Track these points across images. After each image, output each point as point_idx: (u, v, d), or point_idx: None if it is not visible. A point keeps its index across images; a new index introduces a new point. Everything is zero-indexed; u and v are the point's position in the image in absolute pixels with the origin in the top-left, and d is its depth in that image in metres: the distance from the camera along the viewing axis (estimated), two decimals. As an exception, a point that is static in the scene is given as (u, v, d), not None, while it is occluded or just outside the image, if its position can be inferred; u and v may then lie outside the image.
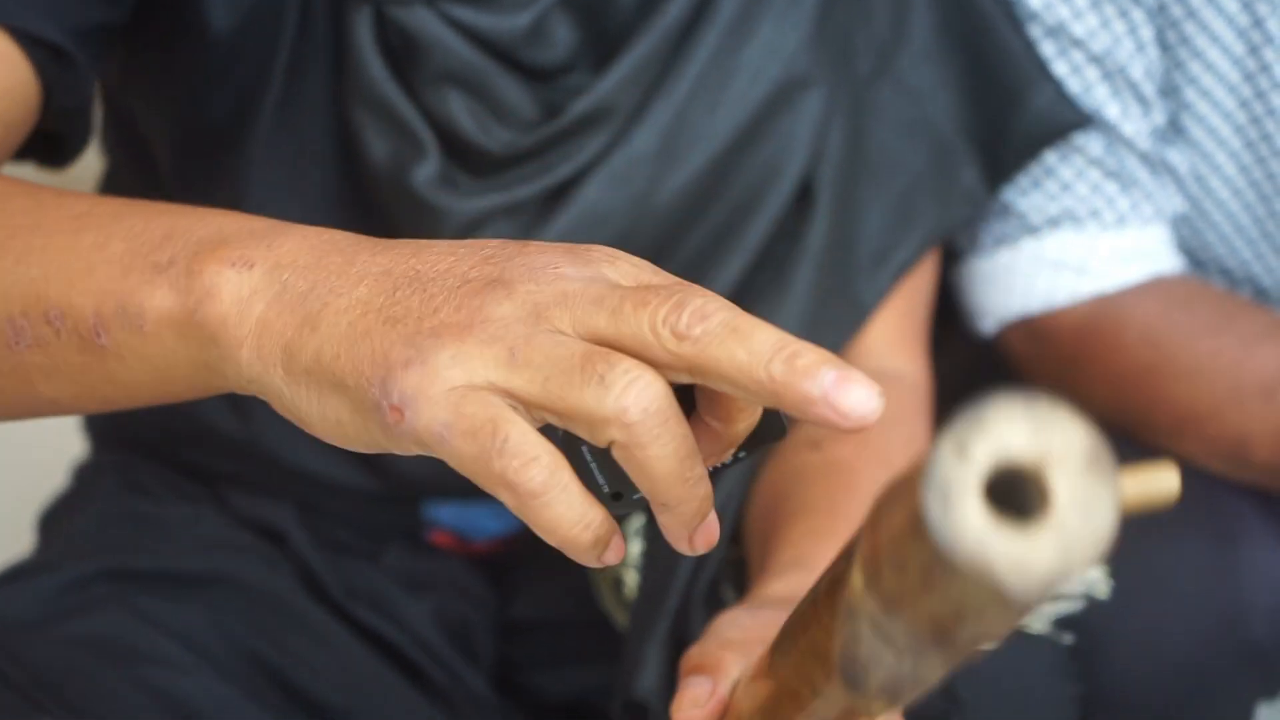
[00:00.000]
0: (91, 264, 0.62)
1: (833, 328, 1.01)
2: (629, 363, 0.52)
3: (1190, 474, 1.03)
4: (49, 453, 0.79)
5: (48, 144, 0.84)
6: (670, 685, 0.81)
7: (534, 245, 0.56)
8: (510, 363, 0.53)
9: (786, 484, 0.93)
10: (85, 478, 1.10)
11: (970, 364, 1.24)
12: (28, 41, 0.78)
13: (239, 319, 0.58)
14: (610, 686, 1.00)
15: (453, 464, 0.53)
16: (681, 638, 0.89)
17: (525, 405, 0.53)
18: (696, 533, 0.55)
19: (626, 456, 0.52)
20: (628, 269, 0.56)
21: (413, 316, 0.55)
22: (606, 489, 0.56)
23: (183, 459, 1.06)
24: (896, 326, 1.05)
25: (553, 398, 0.52)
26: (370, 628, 1.01)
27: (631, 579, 0.95)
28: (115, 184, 1.07)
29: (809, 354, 0.50)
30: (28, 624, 0.93)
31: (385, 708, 0.99)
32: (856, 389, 0.49)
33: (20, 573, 0.99)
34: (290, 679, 0.98)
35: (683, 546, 0.55)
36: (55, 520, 1.09)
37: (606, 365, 0.52)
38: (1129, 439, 1.11)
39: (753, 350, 0.51)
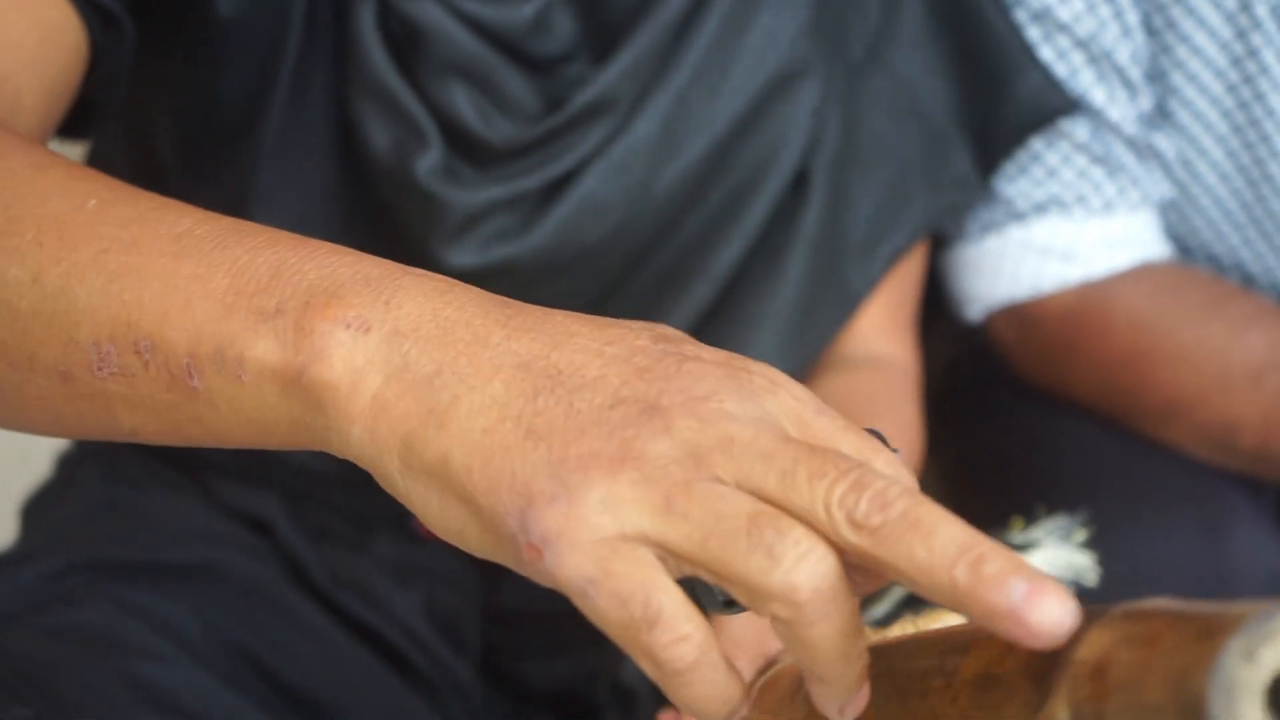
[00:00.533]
0: (190, 297, 0.57)
1: (824, 314, 1.01)
2: (800, 532, 0.48)
3: (1179, 461, 1.09)
4: (31, 441, 0.77)
5: (74, 111, 0.82)
6: None
7: (691, 361, 0.52)
8: (667, 512, 0.48)
9: None
10: (68, 467, 1.09)
11: (957, 351, 1.24)
12: (83, 3, 0.77)
13: (351, 390, 0.53)
14: (597, 674, 1.00)
15: (591, 619, 0.50)
16: None
17: (676, 558, 0.49)
18: (849, 703, 0.52)
19: (789, 634, 0.48)
20: (790, 404, 0.51)
21: (557, 435, 0.50)
22: (721, 597, 0.51)
23: (167, 448, 1.05)
24: (886, 312, 1.04)
25: (712, 559, 0.48)
26: (357, 618, 1.01)
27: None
28: (101, 164, 1.06)
29: (996, 560, 0.46)
30: (8, 615, 0.92)
31: (371, 698, 0.99)
32: (1049, 603, 0.45)
33: (1, 563, 0.99)
34: (275, 670, 0.97)
35: (832, 714, 0.52)
36: (37, 510, 1.08)
37: (776, 533, 0.47)
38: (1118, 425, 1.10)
39: (935, 551, 0.46)
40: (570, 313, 0.55)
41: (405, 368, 0.53)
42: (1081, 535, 0.99)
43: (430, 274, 0.56)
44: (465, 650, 1.05)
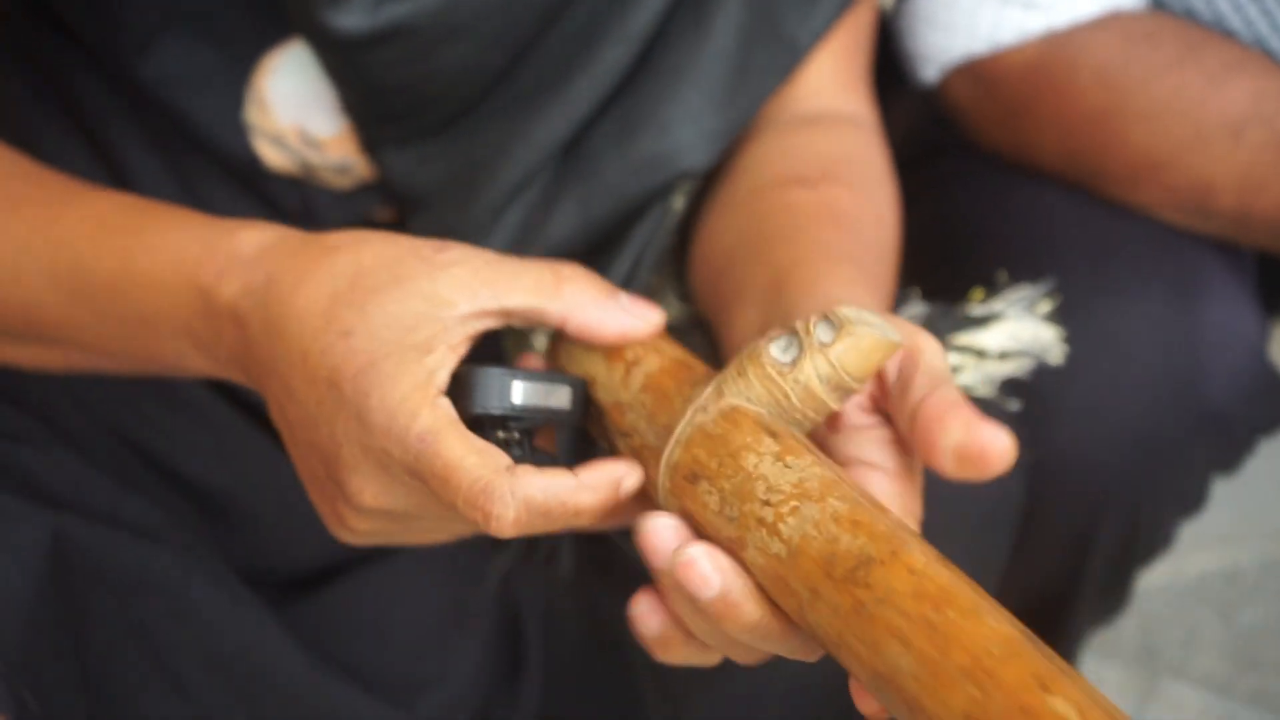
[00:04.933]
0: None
1: (760, 69, 0.92)
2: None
3: (1149, 227, 1.01)
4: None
5: None
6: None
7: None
8: None
9: (778, 219, 0.85)
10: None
11: (912, 120, 1.17)
12: None
13: None
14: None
15: None
16: None
17: None
18: None
19: None
20: None
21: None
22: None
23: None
24: (840, 65, 0.96)
25: None
26: (255, 402, 0.94)
27: (541, 343, 0.87)
28: None
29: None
30: None
31: (269, 486, 0.93)
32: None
33: None
34: (164, 459, 0.92)
35: None
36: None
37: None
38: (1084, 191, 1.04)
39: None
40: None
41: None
42: (1046, 306, 0.94)
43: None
44: None
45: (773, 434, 0.63)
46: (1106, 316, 0.96)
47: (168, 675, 0.88)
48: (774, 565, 0.60)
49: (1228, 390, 0.98)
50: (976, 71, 1.04)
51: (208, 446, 0.92)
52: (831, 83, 0.96)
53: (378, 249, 0.69)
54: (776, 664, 0.94)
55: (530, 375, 0.70)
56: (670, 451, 0.66)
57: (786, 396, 0.64)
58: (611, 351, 0.73)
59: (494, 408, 0.69)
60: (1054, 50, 1.01)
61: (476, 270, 0.69)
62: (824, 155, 0.91)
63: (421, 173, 0.87)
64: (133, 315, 0.75)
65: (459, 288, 0.68)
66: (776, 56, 0.93)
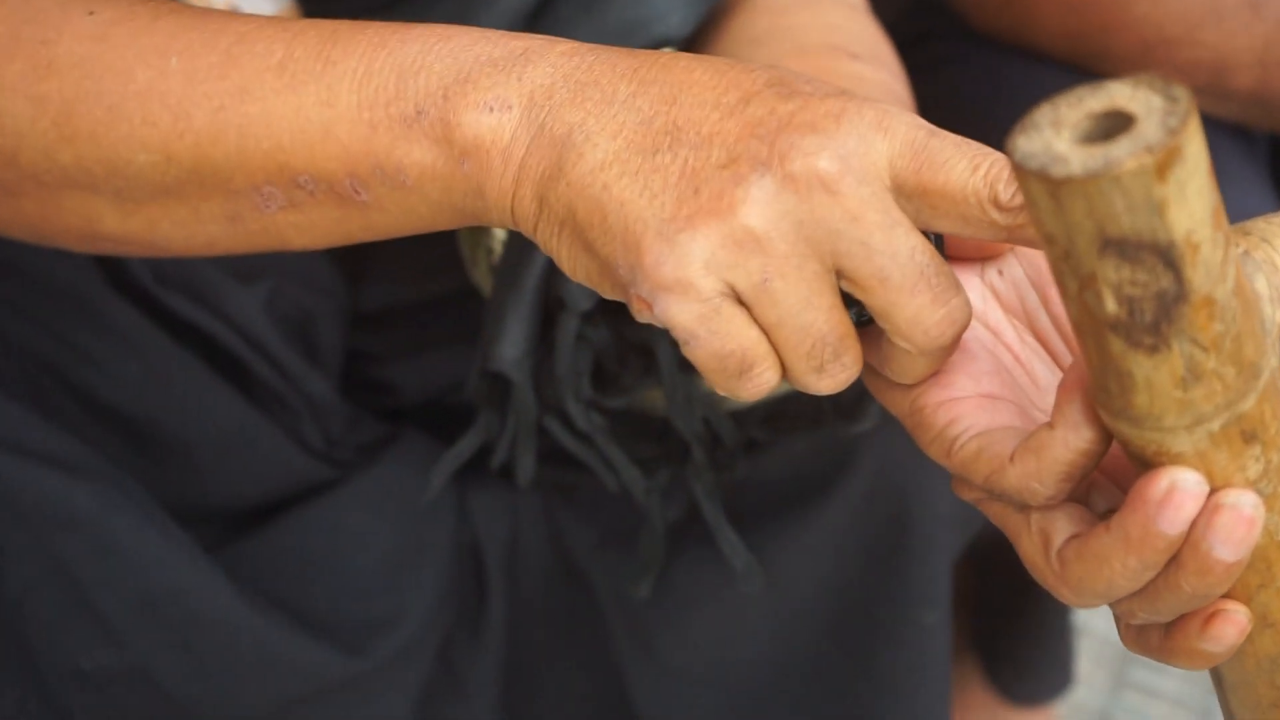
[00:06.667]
0: (327, 125, 0.62)
1: None
2: (850, 357, 0.58)
3: None
4: None
5: None
6: (531, 352, 0.81)
7: (803, 110, 0.57)
8: (760, 291, 0.56)
9: (847, 84, 0.81)
10: None
11: (904, 3, 1.13)
12: None
13: (503, 169, 0.60)
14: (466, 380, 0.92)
15: (690, 360, 0.59)
16: (548, 306, 0.81)
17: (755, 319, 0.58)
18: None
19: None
20: (897, 144, 0.57)
21: (671, 192, 0.56)
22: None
23: None
24: None
25: (778, 341, 0.57)
26: (186, 321, 0.88)
27: (501, 246, 0.81)
28: None
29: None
30: None
31: (203, 416, 0.88)
32: None
33: None
34: (86, 386, 0.86)
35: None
36: None
37: (834, 355, 0.58)
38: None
39: None
40: (692, 57, 0.60)
41: (541, 131, 0.59)
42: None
43: (550, 39, 0.61)
44: (320, 359, 0.94)
45: None
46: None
47: (92, 616, 0.83)
48: (1270, 550, 0.55)
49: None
50: (969, -59, 1.00)
51: (136, 374, 0.87)
52: None
53: None
54: (747, 602, 0.90)
55: None
56: (1248, 399, 0.51)
57: None
58: (1217, 211, 0.48)
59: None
60: (1053, -84, 0.96)
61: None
62: (864, 37, 0.87)
63: None
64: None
65: None
66: None
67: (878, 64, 0.83)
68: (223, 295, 0.90)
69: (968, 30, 1.05)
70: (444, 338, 0.98)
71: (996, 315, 0.62)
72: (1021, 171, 0.46)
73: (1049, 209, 0.47)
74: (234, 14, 0.67)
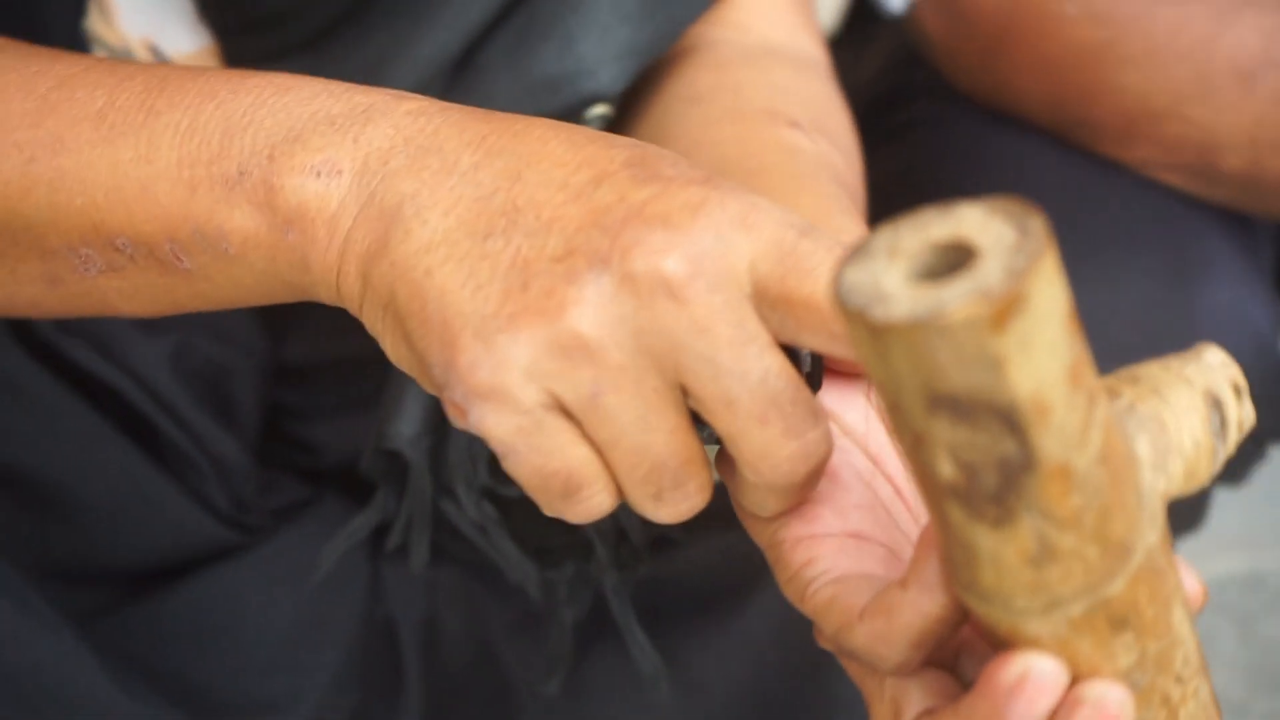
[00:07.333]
0: (144, 183, 0.58)
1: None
2: (694, 485, 0.53)
3: (1143, 190, 0.92)
4: None
5: None
6: (434, 430, 0.78)
7: (657, 197, 0.51)
8: (590, 405, 0.51)
9: (776, 158, 0.78)
10: None
11: (880, 62, 1.12)
12: None
13: (328, 242, 0.55)
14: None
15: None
16: None
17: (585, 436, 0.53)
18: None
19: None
20: (760, 244, 0.52)
21: (497, 284, 0.51)
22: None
23: None
24: None
25: (612, 462, 0.52)
26: (87, 373, 0.86)
27: None
28: None
29: None
30: None
31: (97, 473, 0.85)
32: None
33: None
34: None
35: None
36: None
37: (675, 484, 0.53)
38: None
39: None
40: (551, 125, 0.56)
41: (371, 201, 0.55)
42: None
43: (400, 95, 0.58)
44: (234, 418, 0.91)
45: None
46: (1087, 294, 0.86)
47: None
48: None
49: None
50: (949, 2, 0.99)
51: (25, 425, 0.84)
52: (769, 14, 0.89)
53: None
54: (661, 704, 0.86)
55: None
56: (1114, 582, 0.46)
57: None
58: (1077, 367, 0.43)
59: None
60: (1035, -25, 0.95)
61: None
62: (811, 102, 0.83)
63: None
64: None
65: None
66: None
67: (820, 134, 0.79)
68: (127, 346, 0.87)
69: (950, 91, 1.03)
70: (369, 398, 0.92)
71: (879, 441, 0.57)
72: (842, 308, 0.41)
73: (872, 355, 0.41)
74: (63, 54, 0.63)
